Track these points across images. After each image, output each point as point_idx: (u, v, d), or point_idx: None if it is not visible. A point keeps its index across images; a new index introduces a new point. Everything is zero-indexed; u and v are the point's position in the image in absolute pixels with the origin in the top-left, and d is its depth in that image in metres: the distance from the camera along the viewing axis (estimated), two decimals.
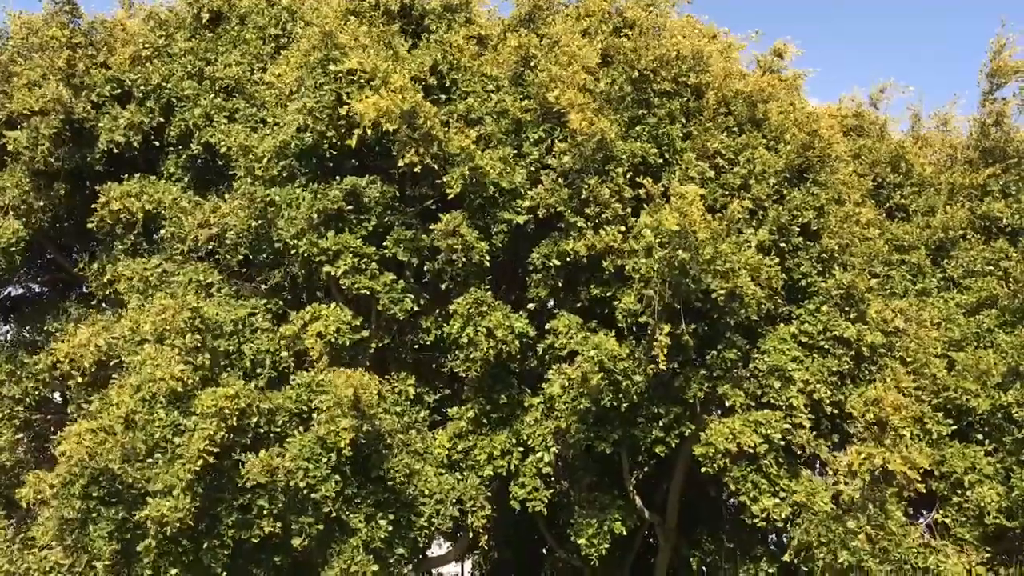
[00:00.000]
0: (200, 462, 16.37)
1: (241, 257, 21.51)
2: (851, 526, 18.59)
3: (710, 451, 18.99)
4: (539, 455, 20.49)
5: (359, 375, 17.45)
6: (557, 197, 19.65)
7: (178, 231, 22.17)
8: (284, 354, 19.79)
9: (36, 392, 23.23)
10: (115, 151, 23.41)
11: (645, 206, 19.50)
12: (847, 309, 19.90)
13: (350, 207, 20.06)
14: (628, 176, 19.58)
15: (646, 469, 24.10)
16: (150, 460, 16.97)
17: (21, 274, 26.58)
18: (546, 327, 20.19)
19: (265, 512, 17.25)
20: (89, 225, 22.83)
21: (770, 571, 21.09)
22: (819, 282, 20.35)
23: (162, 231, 22.41)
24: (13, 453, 23.31)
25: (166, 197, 22.70)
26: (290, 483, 16.83)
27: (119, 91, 24.03)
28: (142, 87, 23.68)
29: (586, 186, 19.38)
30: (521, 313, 20.60)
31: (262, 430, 17.43)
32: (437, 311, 21.08)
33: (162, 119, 23.70)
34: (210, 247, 22.06)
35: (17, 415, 22.96)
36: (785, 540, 21.03)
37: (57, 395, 25.32)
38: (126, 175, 23.21)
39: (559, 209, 19.93)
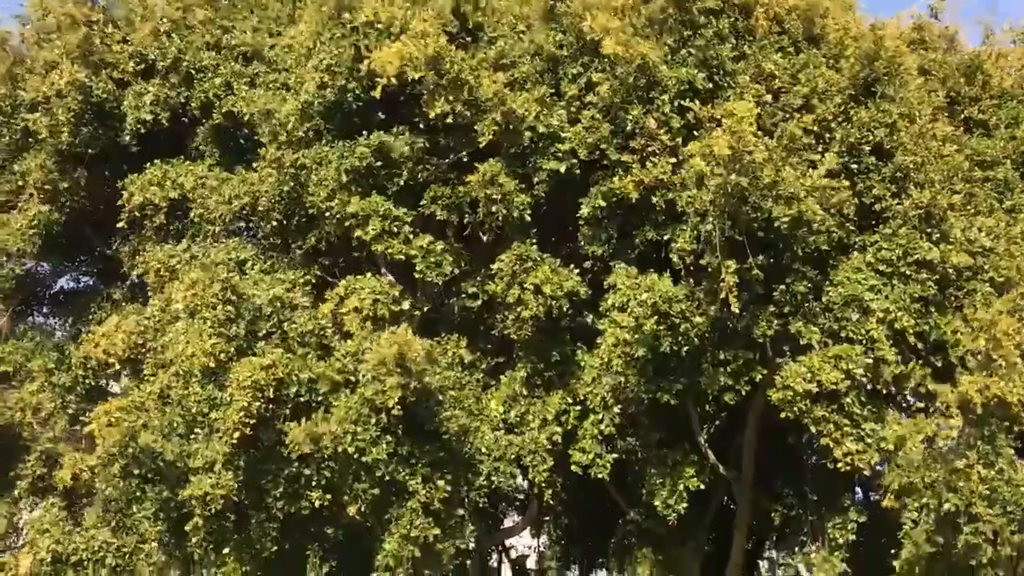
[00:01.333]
0: (237, 435, 15.47)
1: (275, 223, 20.52)
2: (958, 464, 16.81)
3: (788, 395, 17.40)
4: (599, 416, 19.18)
5: (403, 333, 16.32)
6: (598, 135, 18.19)
7: (205, 212, 21.27)
8: (328, 332, 18.72)
9: (85, 381, 22.61)
10: (144, 130, 22.62)
11: (696, 134, 17.98)
12: (928, 230, 18.06)
13: (379, 163, 18.91)
14: (676, 104, 18.04)
15: (717, 422, 22.56)
16: (191, 436, 16.07)
17: (70, 266, 26.15)
18: (604, 283, 18.78)
19: (314, 482, 16.29)
20: (119, 223, 22.10)
21: (860, 521, 19.46)
22: (894, 204, 18.53)
23: (191, 213, 21.54)
24: (68, 443, 22.79)
25: (189, 180, 21.81)
26: (338, 449, 15.78)
27: (143, 66, 23.19)
28: (162, 61, 22.80)
29: (630, 117, 17.90)
30: (572, 268, 19.20)
31: (303, 399, 16.42)
32: (482, 271, 19.89)
33: (185, 90, 22.83)
34: (240, 222, 21.15)
35: (69, 404, 22.37)
36: (874, 487, 19.36)
37: (109, 383, 24.84)
38: (152, 160, 22.36)
39: (602, 147, 18.49)
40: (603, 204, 18.40)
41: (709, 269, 17.40)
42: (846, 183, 18.01)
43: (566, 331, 19.44)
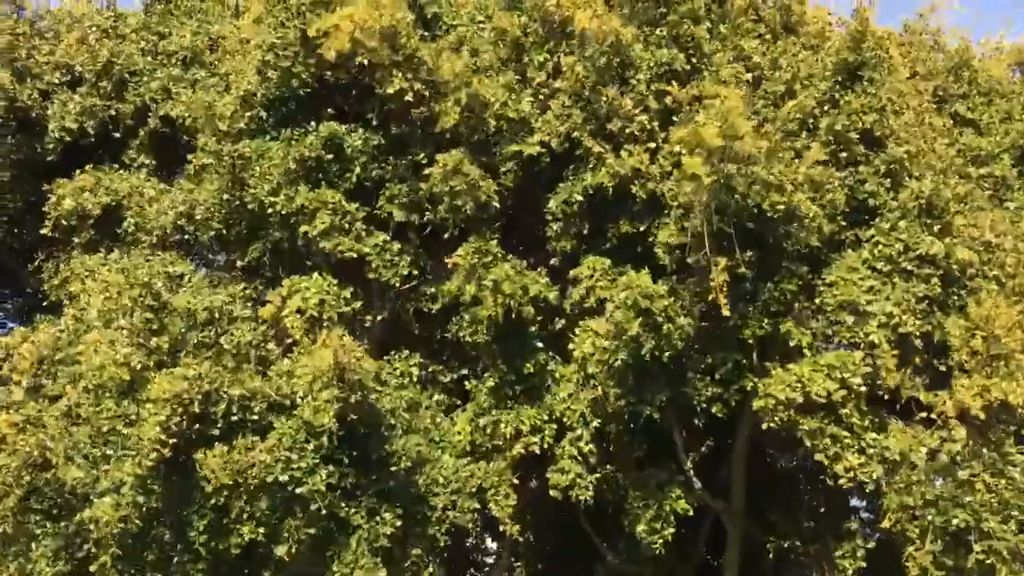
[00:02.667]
0: (153, 455, 13.27)
1: (213, 233, 18.56)
2: (962, 476, 15.06)
3: (769, 403, 15.58)
4: (577, 432, 17.21)
5: (337, 338, 14.31)
6: (571, 122, 16.52)
7: (141, 221, 19.30)
8: (271, 345, 16.67)
9: None
10: (68, 139, 20.76)
11: (675, 119, 16.37)
12: (929, 223, 16.48)
13: (330, 157, 17.09)
14: (652, 87, 16.47)
15: (704, 445, 20.55)
16: (99, 460, 13.82)
17: None
18: (571, 274, 16.99)
19: (245, 515, 14.01)
20: (43, 230, 20.05)
21: (867, 547, 17.50)
22: (889, 198, 16.98)
23: (124, 223, 19.55)
24: None
25: (124, 187, 19.89)
26: (267, 479, 13.60)
27: (68, 78, 21.47)
28: (91, 67, 21.00)
29: (604, 99, 16.24)
30: (541, 270, 17.41)
31: (235, 418, 14.26)
32: (441, 275, 18.01)
33: (116, 99, 21.02)
34: (178, 234, 19.17)
35: None
36: (878, 506, 17.44)
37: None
38: (81, 168, 20.42)
39: (575, 135, 16.80)
40: (577, 198, 16.65)
41: (694, 266, 15.66)
42: (837, 174, 16.44)
43: (535, 339, 17.47)
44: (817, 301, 16.51)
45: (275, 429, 14.14)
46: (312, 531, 14.04)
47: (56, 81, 21.28)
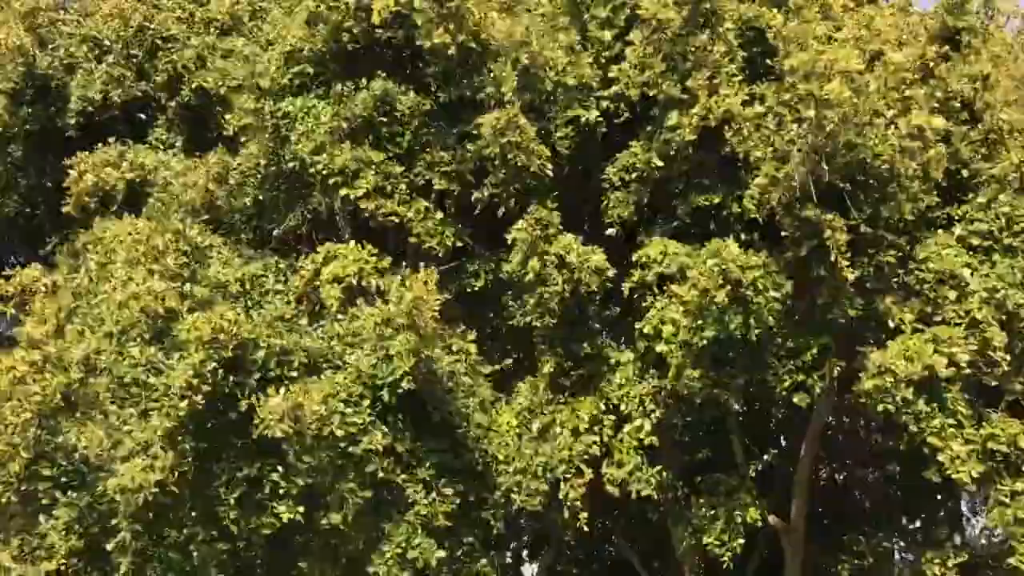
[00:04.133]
0: (184, 404, 11.61)
1: (248, 199, 17.09)
2: None
3: (887, 381, 13.88)
4: (637, 423, 15.57)
5: (421, 279, 12.80)
6: (651, 73, 15.14)
7: (168, 196, 17.81)
8: (303, 321, 15.05)
9: None
10: (90, 110, 19.39)
11: (763, 82, 15.07)
12: None
13: (383, 118, 15.76)
14: (744, 35, 15.25)
15: (765, 456, 18.79)
16: (121, 419, 12.11)
17: None
18: (633, 258, 15.50)
19: (282, 489, 12.29)
20: (64, 207, 18.53)
21: (960, 560, 15.68)
22: (986, 169, 15.64)
23: (150, 200, 18.06)
24: None
25: (151, 161, 18.48)
26: (323, 431, 11.91)
27: (96, 51, 20.21)
28: (121, 34, 19.77)
29: (691, 49, 14.89)
30: (596, 247, 15.90)
31: (272, 372, 12.60)
32: (487, 254, 16.57)
33: (146, 69, 19.76)
34: (209, 205, 17.68)
35: None
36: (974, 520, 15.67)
37: None
38: (104, 142, 19.02)
39: (658, 82, 15.30)
40: (646, 159, 15.24)
41: (789, 230, 14.12)
42: (937, 135, 15.08)
43: (593, 320, 15.91)
44: (911, 279, 15.03)
45: (322, 379, 12.44)
46: (367, 495, 12.25)
47: (83, 55, 20.01)
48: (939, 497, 15.81)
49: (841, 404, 18.26)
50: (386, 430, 12.58)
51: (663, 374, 15.62)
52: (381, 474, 12.50)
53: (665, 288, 14.72)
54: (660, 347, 14.86)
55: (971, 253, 15.08)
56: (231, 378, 12.31)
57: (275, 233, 16.80)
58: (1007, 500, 14.52)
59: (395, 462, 12.80)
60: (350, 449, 12.28)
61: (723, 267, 13.72)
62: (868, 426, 19.35)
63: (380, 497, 12.79)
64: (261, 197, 16.90)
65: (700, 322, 14.10)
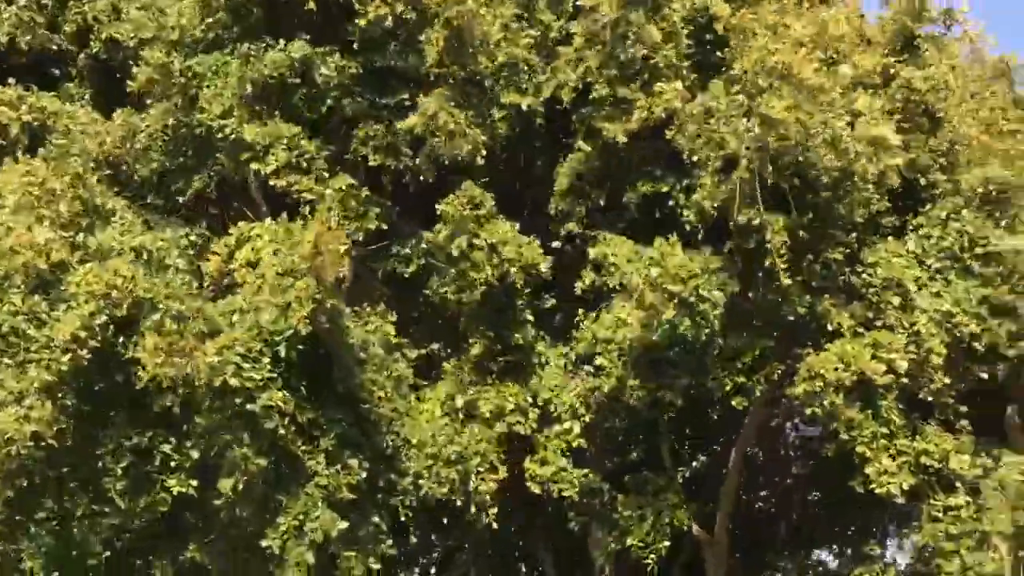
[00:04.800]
0: (68, 358, 10.39)
1: (155, 164, 15.83)
2: None
3: (816, 385, 13.32)
4: (566, 425, 14.75)
5: (322, 221, 11.78)
6: (585, 66, 14.44)
7: (68, 143, 16.35)
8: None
9: None
10: None
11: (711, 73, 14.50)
12: (996, 215, 14.49)
13: (298, 83, 14.70)
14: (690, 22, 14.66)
15: (695, 464, 18.17)
16: None
17: None
18: (589, 252, 14.70)
19: (174, 462, 11.13)
20: None
21: None
22: (944, 182, 15.18)
23: (49, 146, 16.57)
24: None
25: (54, 106, 16.96)
26: (213, 383, 10.78)
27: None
28: None
29: (631, 32, 14.23)
30: (533, 238, 15.10)
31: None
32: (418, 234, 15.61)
33: (58, 17, 18.34)
34: (111, 167, 16.29)
35: None
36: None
37: None
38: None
39: (590, 80, 14.75)
40: (591, 162, 14.58)
41: (736, 229, 13.55)
42: (896, 139, 14.62)
43: (525, 311, 15.05)
44: (857, 282, 14.51)
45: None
46: (262, 462, 11.12)
47: None
48: (871, 511, 15.22)
49: (770, 415, 17.83)
50: (287, 394, 11.43)
51: (596, 375, 14.91)
52: (280, 436, 11.33)
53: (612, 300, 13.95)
54: (600, 360, 14.13)
55: (923, 267, 14.49)
56: (122, 339, 11.08)
57: (181, 200, 15.50)
58: (940, 515, 14.07)
59: (296, 431, 11.68)
60: (247, 406, 11.15)
61: (670, 276, 12.95)
62: (790, 447, 18.94)
63: (278, 468, 11.69)
64: (168, 163, 15.62)
65: (649, 335, 13.36)
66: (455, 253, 13.97)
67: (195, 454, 11.82)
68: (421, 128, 14.43)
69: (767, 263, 12.99)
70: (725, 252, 13.92)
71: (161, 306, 11.37)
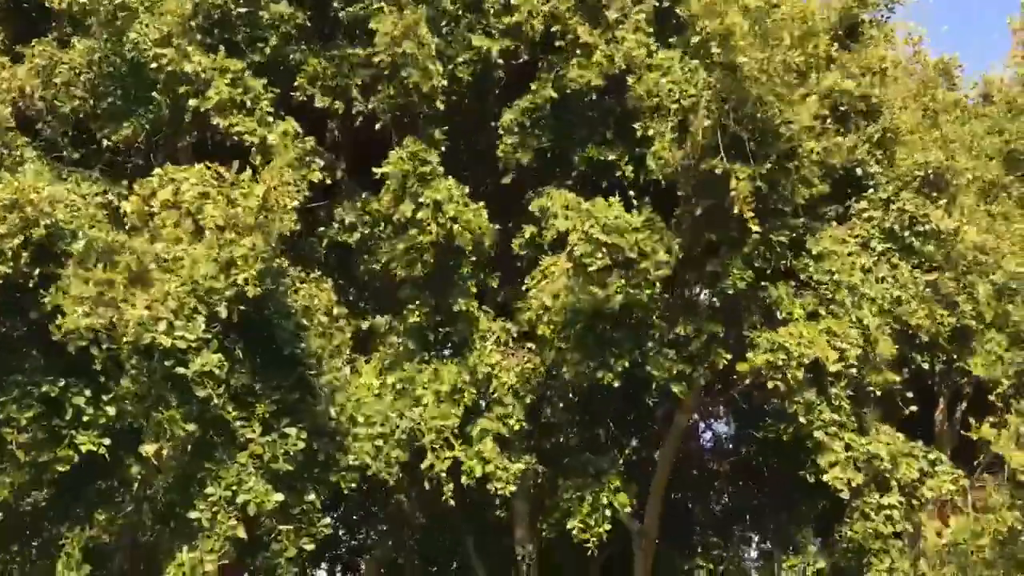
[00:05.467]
0: None
1: (76, 103, 14.55)
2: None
3: (779, 358, 12.94)
4: (506, 408, 14.11)
5: (278, 172, 10.84)
6: (553, 7, 13.87)
7: None
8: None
9: None
10: None
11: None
12: (935, 196, 14.60)
13: (241, 11, 13.71)
14: None
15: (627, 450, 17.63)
16: None
17: None
18: (531, 206, 14.11)
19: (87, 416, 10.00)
20: None
21: (817, 567, 15.00)
22: (878, 172, 15.12)
23: None
24: None
25: None
26: (142, 339, 9.69)
27: None
28: None
29: None
30: (481, 205, 14.41)
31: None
32: (360, 193, 14.79)
33: None
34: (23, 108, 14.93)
35: None
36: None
37: None
38: None
39: (559, 21, 14.09)
40: (545, 99, 13.96)
41: (684, 188, 13.10)
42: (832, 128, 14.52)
43: (466, 279, 14.36)
44: (803, 274, 14.31)
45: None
46: (191, 429, 10.09)
47: None
48: (803, 502, 14.99)
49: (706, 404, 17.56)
50: (223, 358, 10.40)
51: (538, 351, 14.37)
52: (213, 401, 10.25)
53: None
54: (540, 329, 13.49)
55: (868, 251, 14.51)
56: (37, 269, 9.95)
57: (105, 144, 14.26)
58: (872, 513, 13.99)
59: (229, 396, 10.68)
60: (177, 370, 10.05)
61: (602, 229, 12.40)
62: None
63: (206, 435, 10.66)
64: (92, 105, 14.36)
65: (578, 295, 12.75)
66: (401, 220, 13.19)
67: (111, 411, 10.79)
68: (382, 50, 13.47)
69: (731, 214, 12.41)
70: (672, 220, 13.45)
71: (82, 235, 10.23)
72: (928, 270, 14.31)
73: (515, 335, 14.61)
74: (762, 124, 12.66)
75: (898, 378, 13.98)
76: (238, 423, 10.71)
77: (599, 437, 15.88)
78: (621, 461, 15.33)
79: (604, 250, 12.44)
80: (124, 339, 9.67)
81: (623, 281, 12.67)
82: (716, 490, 19.08)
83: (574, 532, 14.12)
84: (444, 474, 12.84)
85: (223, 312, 10.31)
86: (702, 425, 19.72)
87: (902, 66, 16.85)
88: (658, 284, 12.90)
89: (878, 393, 13.90)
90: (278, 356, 11.36)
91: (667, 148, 12.75)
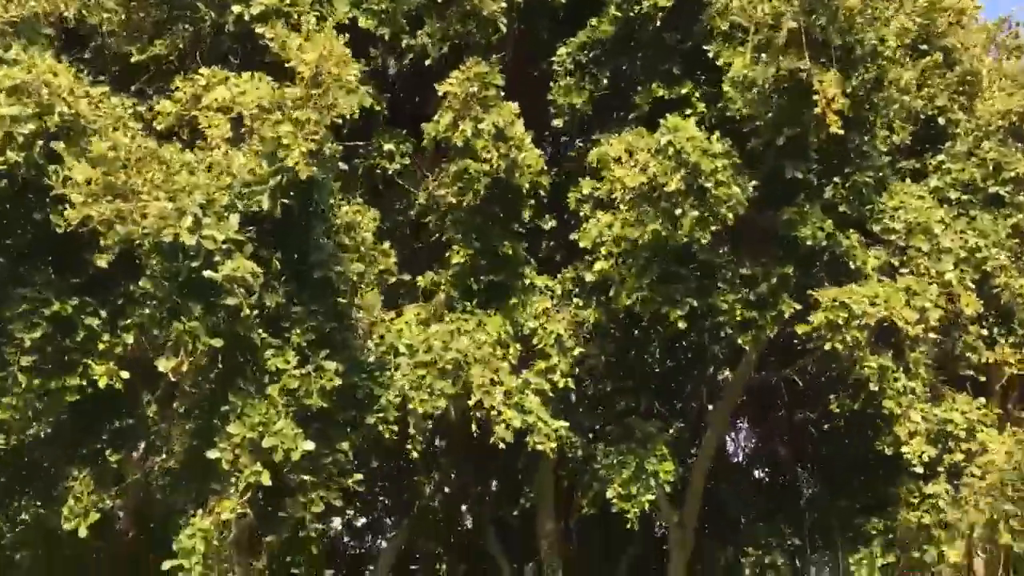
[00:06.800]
0: None
1: (109, 14, 13.50)
2: None
3: (840, 316, 11.79)
4: (551, 360, 12.97)
5: (329, 37, 9.72)
6: None
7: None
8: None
9: None
10: None
11: None
12: (1020, 146, 13.68)
13: None
14: None
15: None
16: None
17: None
18: (589, 156, 12.92)
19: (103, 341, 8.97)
20: None
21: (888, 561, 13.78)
22: (963, 119, 14.15)
23: None
24: None
25: None
26: (162, 236, 8.63)
27: None
28: None
29: None
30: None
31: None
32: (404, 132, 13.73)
33: None
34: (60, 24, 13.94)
35: None
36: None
37: None
38: None
39: None
40: (609, 29, 12.91)
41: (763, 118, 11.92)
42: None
43: (518, 221, 13.27)
44: (878, 228, 13.20)
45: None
46: (217, 343, 9.00)
47: None
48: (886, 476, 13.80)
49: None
50: (256, 267, 9.16)
51: (588, 304, 13.30)
52: (242, 317, 9.07)
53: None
54: (599, 265, 12.33)
55: (946, 206, 13.48)
56: (50, 166, 8.91)
57: (133, 60, 13.21)
58: (915, 502, 13.25)
59: (260, 316, 9.54)
60: (204, 273, 8.93)
61: (679, 148, 11.27)
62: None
63: (233, 358, 9.48)
64: (124, 15, 13.33)
65: (644, 219, 11.56)
66: (459, 143, 12.11)
67: (130, 339, 9.76)
68: None
69: (816, 111, 11.32)
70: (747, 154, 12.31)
71: (104, 138, 9.19)
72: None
73: (560, 293, 13.54)
74: (852, 38, 11.49)
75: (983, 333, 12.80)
76: (269, 352, 9.58)
77: (643, 406, 14.69)
78: (671, 430, 14.22)
79: (683, 171, 11.27)
80: (143, 232, 8.51)
81: (696, 212, 11.47)
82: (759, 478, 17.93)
83: (613, 500, 12.98)
84: (495, 411, 11.61)
85: (265, 202, 9.12)
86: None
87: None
88: (730, 221, 11.70)
89: (969, 358, 12.75)
90: (312, 279, 10.18)
91: (748, 66, 11.59)
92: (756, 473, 18.68)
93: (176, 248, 8.74)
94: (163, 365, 9.20)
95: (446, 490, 18.32)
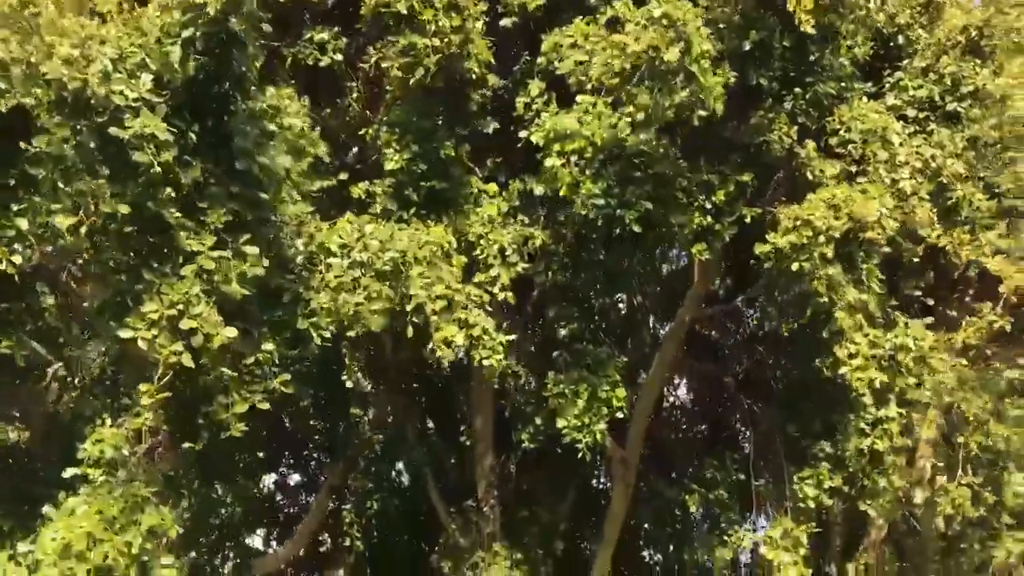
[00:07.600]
0: None
1: None
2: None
3: (804, 235, 11.29)
4: (493, 272, 12.20)
5: None
6: None
7: None
8: None
9: None
10: None
11: None
12: (978, 63, 13.25)
13: None
14: None
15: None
16: None
17: None
18: (542, 48, 11.93)
19: None
20: None
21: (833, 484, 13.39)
22: (923, 36, 13.76)
23: None
24: None
25: None
26: (66, 87, 7.59)
27: None
28: None
29: None
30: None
31: None
32: None
33: None
34: None
35: None
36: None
37: None
38: None
39: None
40: None
41: None
42: None
43: (460, 124, 12.45)
44: (834, 141, 12.67)
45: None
46: (123, 209, 8.01)
47: None
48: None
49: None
50: (169, 127, 8.21)
51: (536, 222, 12.63)
52: (153, 180, 8.07)
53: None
54: (550, 161, 11.41)
55: (904, 122, 13.04)
56: None
57: None
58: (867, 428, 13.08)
59: (175, 193, 8.55)
60: (111, 129, 7.93)
61: (674, 21, 10.29)
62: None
63: (144, 239, 8.49)
64: None
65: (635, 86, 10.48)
66: (402, 9, 11.11)
67: (23, 224, 8.74)
68: None
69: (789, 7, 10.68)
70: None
71: None
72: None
73: (505, 210, 12.75)
74: None
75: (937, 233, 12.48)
76: (184, 229, 8.62)
77: (593, 331, 13.99)
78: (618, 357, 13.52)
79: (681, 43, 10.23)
80: (45, 77, 7.46)
81: (686, 93, 10.52)
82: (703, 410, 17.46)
83: (565, 432, 12.26)
84: (436, 316, 10.74)
85: (176, 54, 8.09)
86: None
87: None
88: (698, 120, 10.95)
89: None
90: (234, 167, 9.15)
91: None
92: (698, 408, 18.23)
93: (81, 101, 7.69)
94: (59, 221, 8.16)
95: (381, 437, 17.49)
